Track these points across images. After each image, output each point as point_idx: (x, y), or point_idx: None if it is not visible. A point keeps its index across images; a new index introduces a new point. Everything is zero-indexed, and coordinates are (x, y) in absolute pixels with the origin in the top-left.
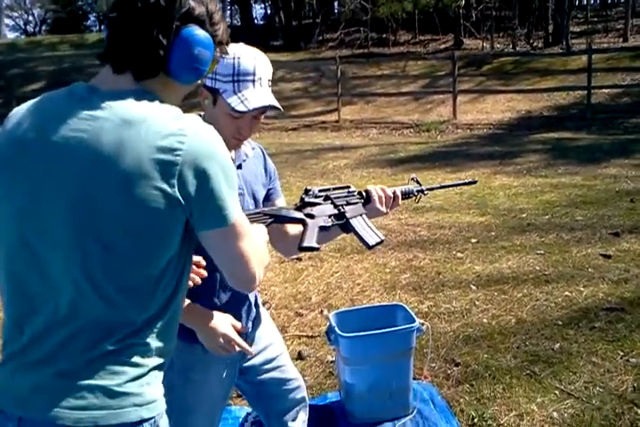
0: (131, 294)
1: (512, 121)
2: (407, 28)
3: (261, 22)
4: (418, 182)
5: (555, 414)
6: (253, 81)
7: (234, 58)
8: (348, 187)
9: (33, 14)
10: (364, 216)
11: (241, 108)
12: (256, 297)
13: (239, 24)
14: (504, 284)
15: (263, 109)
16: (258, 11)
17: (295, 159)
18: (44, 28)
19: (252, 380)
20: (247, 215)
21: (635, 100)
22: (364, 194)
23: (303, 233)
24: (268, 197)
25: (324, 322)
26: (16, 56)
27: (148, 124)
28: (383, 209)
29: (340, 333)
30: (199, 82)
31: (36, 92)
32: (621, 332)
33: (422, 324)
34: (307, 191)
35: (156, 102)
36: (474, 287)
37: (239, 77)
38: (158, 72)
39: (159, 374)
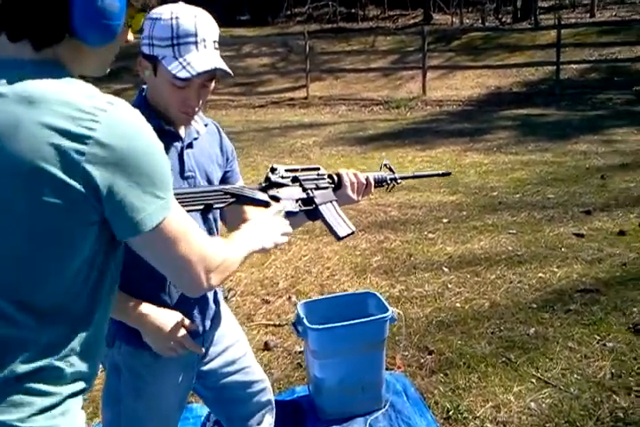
0: (32, 309)
1: (481, 97)
2: (376, 2)
3: None
4: (391, 170)
5: (532, 404)
6: (196, 43)
7: (171, 18)
8: (318, 169)
9: None
10: (335, 203)
11: (183, 74)
12: (215, 293)
13: None
14: (476, 265)
15: (212, 75)
16: None
17: (262, 137)
18: None
19: (213, 384)
20: (204, 193)
21: (603, 76)
22: (335, 178)
23: None
24: (225, 180)
25: (291, 309)
26: None
27: (52, 102)
28: (354, 196)
29: (308, 324)
30: (118, 42)
31: None
32: (597, 314)
33: (395, 313)
34: (273, 170)
35: (66, 77)
36: (446, 269)
37: (179, 40)
38: (62, 35)
39: (78, 400)
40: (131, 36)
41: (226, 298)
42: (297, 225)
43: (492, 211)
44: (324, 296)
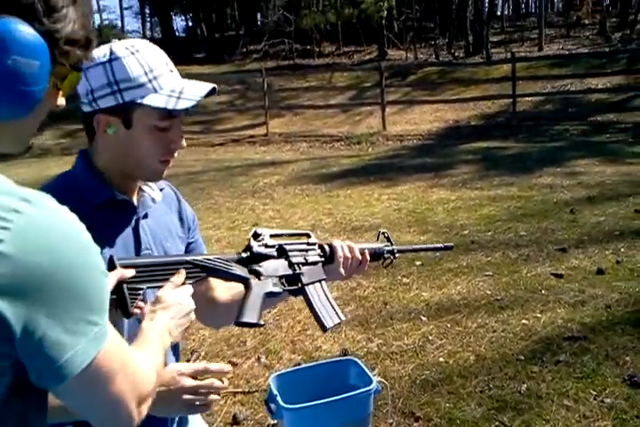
0: None
1: (441, 131)
2: (331, 39)
3: (183, 35)
4: (388, 240)
5: None
6: (171, 71)
7: (132, 53)
8: (308, 235)
9: None
10: (324, 283)
11: (184, 104)
12: None
13: (159, 37)
14: (456, 313)
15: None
16: (179, 23)
17: (223, 177)
18: None
19: None
20: (168, 265)
21: (557, 108)
22: (326, 249)
23: (244, 300)
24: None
25: (261, 373)
26: None
27: None
28: (345, 274)
29: (283, 404)
30: (42, 111)
31: None
32: (589, 365)
33: (379, 382)
34: (256, 236)
35: None
36: (424, 319)
37: (154, 73)
38: None
39: None
40: (62, 101)
41: (188, 361)
42: (278, 302)
43: (466, 251)
44: (298, 367)
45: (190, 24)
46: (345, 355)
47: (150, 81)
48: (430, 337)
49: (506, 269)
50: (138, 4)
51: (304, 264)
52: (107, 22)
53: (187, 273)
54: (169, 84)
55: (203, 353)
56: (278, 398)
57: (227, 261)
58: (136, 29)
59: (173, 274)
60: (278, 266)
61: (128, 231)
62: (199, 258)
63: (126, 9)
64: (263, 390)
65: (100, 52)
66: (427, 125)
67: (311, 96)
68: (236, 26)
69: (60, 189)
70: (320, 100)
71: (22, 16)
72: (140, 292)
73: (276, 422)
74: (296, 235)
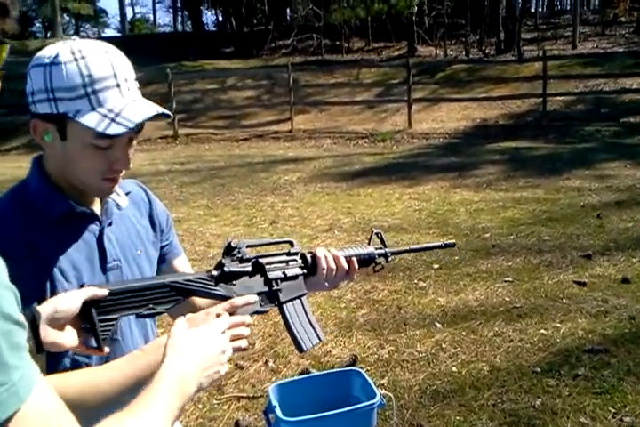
0: None
1: (468, 130)
2: (360, 34)
3: (213, 29)
4: (382, 241)
5: None
6: (118, 85)
7: (75, 60)
8: (291, 243)
9: None
10: (304, 299)
11: (116, 129)
12: None
13: (190, 31)
14: (472, 320)
15: (141, 126)
16: (209, 17)
17: (245, 173)
18: None
19: None
20: (142, 290)
21: (588, 108)
22: (308, 259)
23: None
24: (163, 258)
25: (268, 377)
26: None
27: None
28: (329, 285)
29: (281, 416)
30: None
31: None
32: (609, 381)
33: (384, 395)
34: (229, 250)
35: None
36: (439, 325)
37: (94, 86)
38: None
39: None
40: None
41: None
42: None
43: (486, 255)
44: (299, 377)
45: (220, 18)
46: (354, 361)
47: (88, 95)
48: (444, 345)
49: (527, 275)
50: None
51: (282, 279)
52: (139, 16)
53: (165, 297)
54: (110, 102)
55: None
56: (277, 410)
57: (204, 280)
58: (167, 23)
59: (152, 300)
60: (253, 283)
61: (92, 244)
62: (179, 280)
63: (158, 3)
64: (263, 411)
65: (47, 52)
66: (454, 124)
67: (337, 92)
68: (266, 20)
69: (14, 205)
70: (346, 97)
71: None
72: (114, 322)
73: None
74: (277, 243)
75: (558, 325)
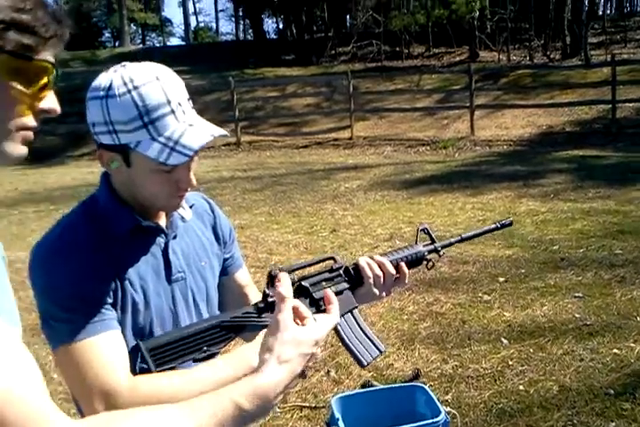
0: None
1: (533, 137)
2: (421, 40)
3: (274, 37)
4: (430, 236)
5: None
6: (172, 111)
7: (129, 91)
8: (333, 259)
9: None
10: (356, 313)
11: (177, 159)
12: None
13: (251, 39)
14: (540, 337)
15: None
16: (270, 25)
17: (305, 180)
18: None
19: None
20: (194, 336)
21: None
22: (351, 271)
23: None
24: (225, 271)
25: (330, 387)
26: None
27: None
28: (381, 293)
29: None
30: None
31: None
32: None
33: (448, 412)
34: (271, 278)
35: None
36: (505, 341)
37: (150, 116)
38: None
39: None
40: (49, 103)
41: None
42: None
43: (554, 269)
44: (363, 390)
45: (281, 26)
46: (417, 376)
47: (146, 125)
48: (510, 362)
49: (598, 291)
50: (232, 7)
51: None
52: (202, 24)
53: (218, 337)
54: (168, 129)
55: None
56: (340, 423)
57: (254, 313)
58: (229, 31)
59: (205, 343)
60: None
61: (157, 256)
62: (227, 318)
63: (221, 11)
64: (325, 423)
65: (101, 82)
66: (518, 131)
67: (397, 99)
68: (326, 28)
69: (84, 219)
70: (406, 104)
71: None
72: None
73: None
74: (319, 262)
75: (632, 344)
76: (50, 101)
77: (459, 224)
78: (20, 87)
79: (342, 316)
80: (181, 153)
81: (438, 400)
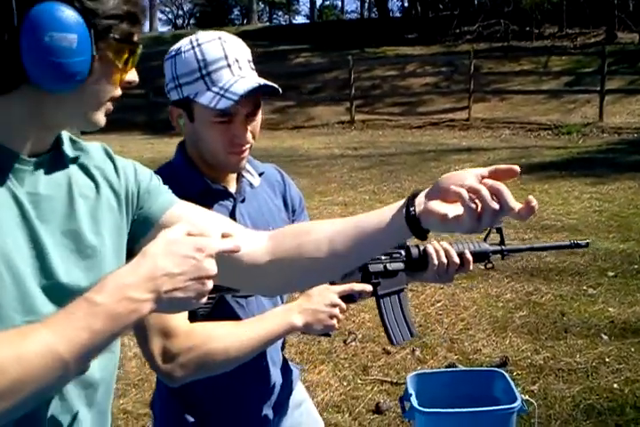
0: None
1: None
2: (553, 20)
3: (398, 15)
4: (502, 237)
5: None
6: (229, 66)
7: (192, 48)
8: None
9: (183, 8)
10: (402, 295)
11: (224, 103)
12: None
13: (376, 17)
14: None
15: (256, 102)
16: (395, 3)
17: (414, 161)
18: (191, 21)
19: None
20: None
21: None
22: (413, 253)
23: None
24: None
25: (413, 365)
26: (159, 49)
27: None
28: (441, 280)
29: (416, 405)
30: (100, 85)
31: None
32: None
33: (526, 401)
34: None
35: None
36: (605, 337)
37: (208, 68)
38: (16, 83)
39: None
40: (131, 76)
41: (345, 342)
42: None
43: None
44: (440, 369)
45: (406, 4)
46: (505, 363)
47: (203, 77)
48: (607, 359)
49: None
50: None
51: (382, 274)
52: (328, 3)
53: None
54: (222, 81)
55: (360, 336)
56: (412, 398)
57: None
58: (354, 9)
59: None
60: (354, 276)
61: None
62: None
63: None
64: (399, 398)
65: (175, 46)
66: None
67: (522, 81)
68: (452, 5)
69: (163, 179)
70: (531, 86)
71: None
72: (212, 301)
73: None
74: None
75: None
76: (133, 74)
77: (572, 214)
78: (119, 65)
79: (388, 295)
80: (229, 98)
81: (518, 388)
